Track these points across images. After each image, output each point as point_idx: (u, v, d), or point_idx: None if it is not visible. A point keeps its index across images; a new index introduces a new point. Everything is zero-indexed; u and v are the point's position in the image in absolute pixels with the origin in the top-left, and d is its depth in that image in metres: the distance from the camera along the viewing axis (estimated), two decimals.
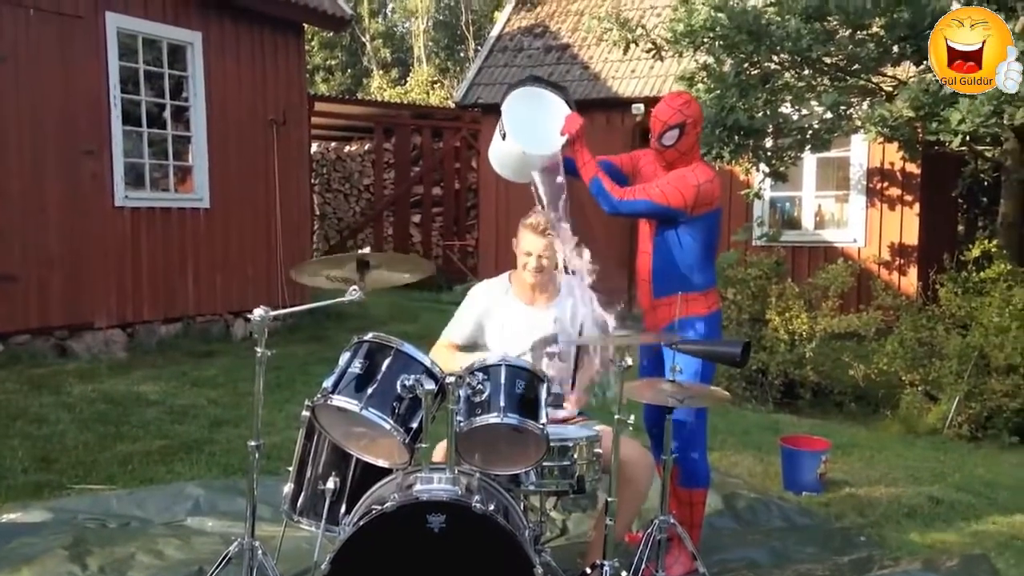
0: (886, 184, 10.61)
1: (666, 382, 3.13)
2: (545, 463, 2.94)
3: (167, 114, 8.73)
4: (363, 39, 30.78)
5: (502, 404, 2.81)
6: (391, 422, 2.80)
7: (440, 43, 31.45)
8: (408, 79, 28.41)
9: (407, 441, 2.82)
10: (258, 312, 2.79)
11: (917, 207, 10.49)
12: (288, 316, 3.20)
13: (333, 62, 30.18)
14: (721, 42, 7.47)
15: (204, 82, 8.77)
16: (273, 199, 9.49)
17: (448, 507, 2.61)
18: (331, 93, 25.15)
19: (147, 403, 6.40)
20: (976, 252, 7.41)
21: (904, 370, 7.14)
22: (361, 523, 2.64)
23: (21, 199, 7.33)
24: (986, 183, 11.58)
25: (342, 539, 2.66)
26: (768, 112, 7.82)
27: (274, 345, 2.94)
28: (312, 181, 13.80)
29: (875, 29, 7.29)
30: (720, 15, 7.27)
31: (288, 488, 3.15)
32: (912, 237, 10.48)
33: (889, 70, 7.94)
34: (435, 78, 28.18)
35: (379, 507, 2.63)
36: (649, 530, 3.20)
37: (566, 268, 3.49)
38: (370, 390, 2.83)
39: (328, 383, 2.89)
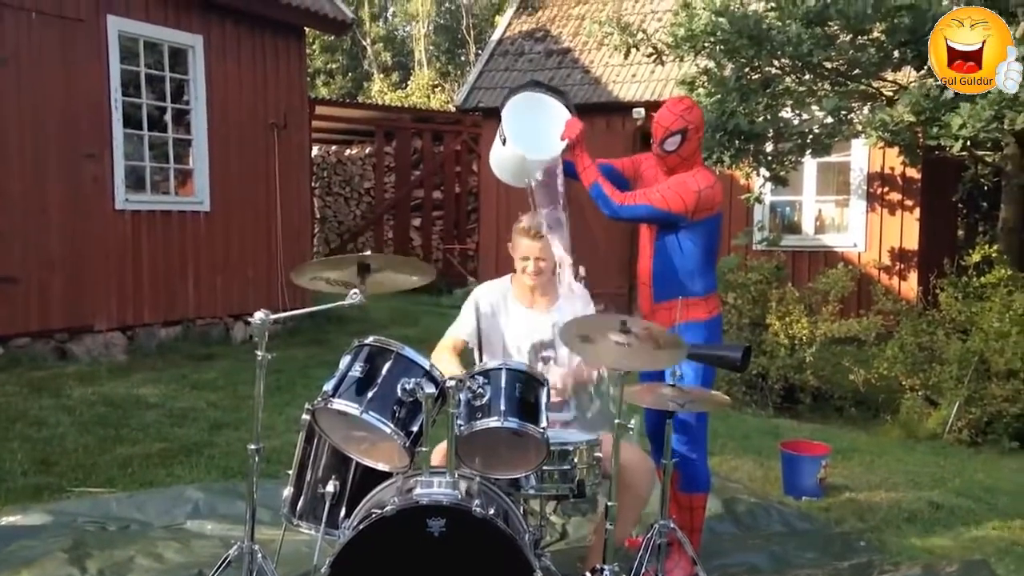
0: (886, 189, 10.61)
1: (666, 387, 3.13)
2: (545, 467, 2.94)
3: (168, 117, 8.74)
4: (364, 43, 30.81)
5: (502, 408, 2.81)
6: (391, 426, 2.80)
7: (441, 47, 31.48)
8: (409, 83, 28.44)
9: (407, 445, 2.82)
10: (259, 315, 2.79)
11: (917, 212, 10.49)
12: (288, 319, 3.20)
13: (334, 66, 30.21)
14: (722, 47, 7.48)
15: (205, 85, 8.78)
16: (274, 202, 9.50)
17: (448, 511, 2.61)
18: (332, 97, 25.14)
19: (147, 406, 6.40)
20: (976, 257, 7.42)
21: (904, 375, 7.14)
22: (361, 527, 2.63)
23: (22, 201, 7.34)
24: (986, 188, 11.59)
25: (342, 543, 2.65)
26: (769, 117, 7.83)
27: (274, 348, 2.94)
28: (313, 184, 13.81)
29: (876, 34, 7.30)
30: (721, 20, 7.27)
31: (288, 491, 3.15)
32: (912, 242, 10.48)
33: (890, 75, 7.95)
34: (436, 82, 28.20)
35: (379, 511, 2.63)
36: (649, 534, 3.20)
37: (575, 272, 3.49)
38: (371, 394, 2.83)
39: (328, 386, 2.89)
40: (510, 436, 2.84)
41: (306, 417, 3.05)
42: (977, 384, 6.78)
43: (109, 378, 7.14)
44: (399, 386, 2.83)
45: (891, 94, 7.74)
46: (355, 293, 2.90)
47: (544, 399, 2.92)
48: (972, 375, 6.78)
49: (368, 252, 3.03)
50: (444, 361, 3.48)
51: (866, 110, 7.71)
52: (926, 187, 10.46)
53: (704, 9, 7.44)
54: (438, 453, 3.03)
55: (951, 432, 6.79)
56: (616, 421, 2.91)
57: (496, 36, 14.15)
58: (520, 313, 3.57)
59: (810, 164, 10.40)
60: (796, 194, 10.97)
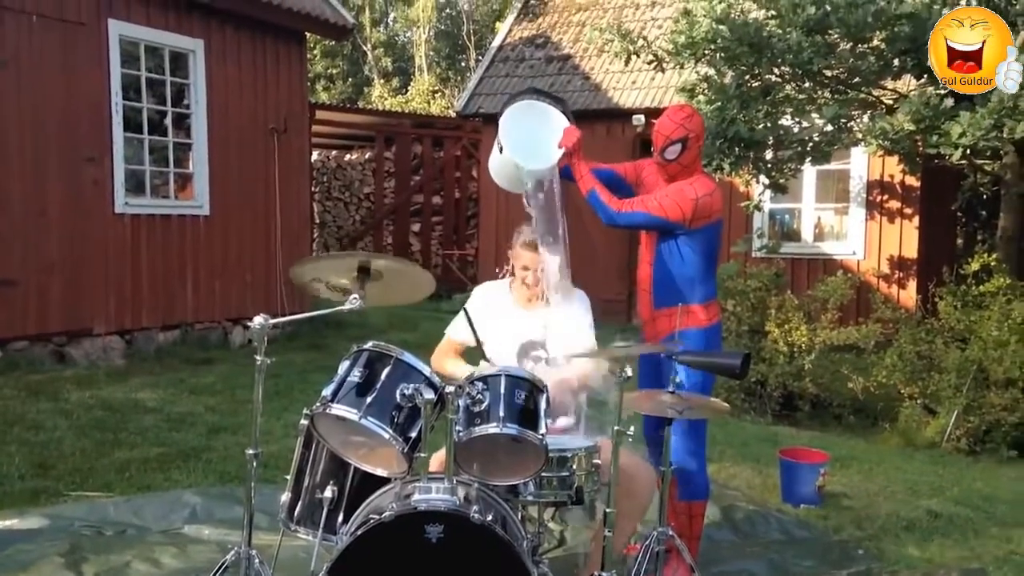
0: (886, 197, 10.63)
1: (665, 393, 3.12)
2: (544, 473, 2.93)
3: (168, 121, 8.74)
4: (365, 48, 30.86)
5: (501, 414, 2.80)
6: (390, 431, 2.79)
7: (441, 52, 31.53)
8: (409, 88, 28.47)
9: (406, 450, 2.81)
10: (258, 320, 2.79)
11: (917, 220, 10.50)
12: (287, 324, 3.21)
13: (334, 71, 30.25)
14: (722, 54, 7.50)
15: (205, 90, 8.79)
16: (273, 207, 9.50)
17: (446, 517, 2.60)
18: (332, 102, 25.17)
19: (145, 410, 6.39)
20: (975, 266, 7.42)
21: (903, 383, 7.14)
22: (359, 532, 2.63)
23: (22, 204, 7.34)
24: (985, 197, 11.62)
25: (339, 548, 2.64)
26: (769, 124, 7.84)
27: (273, 353, 2.93)
28: (312, 189, 13.80)
29: (876, 43, 7.32)
30: (722, 27, 7.29)
31: (286, 497, 3.14)
32: (911, 250, 10.49)
33: (890, 83, 7.97)
34: (436, 87, 28.23)
35: (377, 516, 2.62)
36: (647, 542, 3.19)
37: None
38: (369, 399, 2.82)
39: (327, 391, 2.88)
40: (509, 442, 2.83)
41: (304, 422, 3.04)
42: (976, 393, 6.78)
43: (107, 382, 7.13)
44: (398, 391, 2.82)
45: (891, 102, 7.76)
46: (354, 298, 2.89)
47: (543, 405, 2.92)
48: (971, 384, 6.77)
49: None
50: (450, 364, 3.54)
51: (866, 118, 7.72)
52: (925, 195, 10.47)
53: (705, 16, 7.45)
54: (436, 459, 3.03)
55: (949, 441, 6.78)
56: (615, 427, 2.91)
57: (497, 42, 14.18)
58: (514, 313, 3.59)
59: (809, 172, 10.43)
60: (795, 202, 10.99)
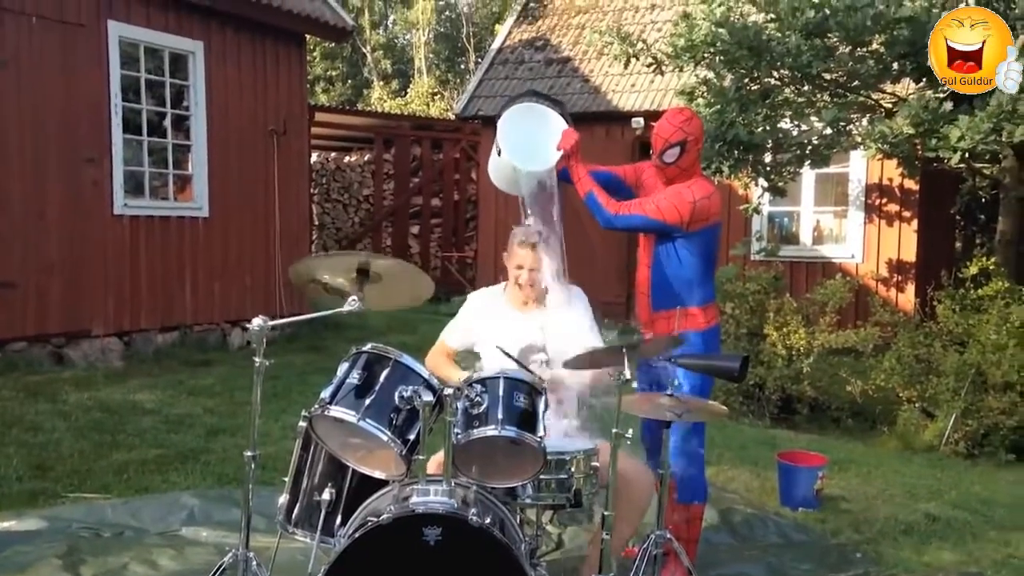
0: (884, 200, 10.63)
1: (664, 396, 3.12)
2: (542, 476, 2.93)
3: (167, 122, 8.74)
4: (364, 50, 30.87)
5: (500, 416, 2.80)
6: (388, 433, 2.79)
7: (441, 55, 31.54)
8: (408, 90, 28.48)
9: (404, 453, 2.81)
10: (257, 322, 2.79)
11: (915, 223, 10.50)
12: (286, 326, 3.19)
13: (334, 73, 30.26)
14: (721, 57, 7.50)
15: (205, 91, 8.79)
16: (272, 209, 9.50)
17: (444, 520, 2.60)
18: (331, 103, 25.19)
19: (143, 412, 6.38)
20: (974, 269, 7.43)
21: (901, 386, 7.14)
22: (356, 535, 2.63)
23: (21, 205, 7.34)
24: (984, 200, 11.61)
25: (337, 551, 2.64)
26: (768, 127, 7.84)
27: (272, 355, 2.93)
28: (311, 191, 13.80)
29: (875, 46, 7.33)
30: (721, 30, 7.29)
31: (283, 499, 3.14)
32: (910, 253, 10.50)
33: (889, 87, 7.98)
34: (435, 90, 28.25)
35: (375, 519, 2.62)
36: (645, 545, 3.19)
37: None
38: (368, 401, 2.82)
39: (326, 393, 2.88)
40: (507, 445, 2.83)
41: (303, 424, 3.04)
42: (974, 396, 6.78)
43: (105, 383, 7.13)
44: (397, 394, 2.82)
45: (890, 106, 7.77)
46: (353, 300, 2.89)
47: (542, 408, 2.91)
48: (969, 387, 6.78)
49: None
50: (442, 366, 3.54)
51: (865, 122, 7.73)
52: (924, 199, 10.48)
53: (704, 20, 7.46)
54: (435, 461, 3.03)
55: (948, 444, 6.78)
56: (614, 430, 2.91)
57: (496, 45, 14.18)
58: (511, 316, 3.58)
59: (808, 175, 10.43)
60: (794, 205, 10.99)
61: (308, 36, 10.56)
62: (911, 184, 10.26)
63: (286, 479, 3.17)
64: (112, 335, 8.07)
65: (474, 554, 2.60)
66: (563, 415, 3.36)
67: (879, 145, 6.92)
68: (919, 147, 7.28)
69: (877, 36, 7.11)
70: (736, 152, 7.77)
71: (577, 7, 13.94)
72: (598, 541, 3.11)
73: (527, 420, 2.84)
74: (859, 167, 10.55)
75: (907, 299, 10.14)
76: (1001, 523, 4.95)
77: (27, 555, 3.76)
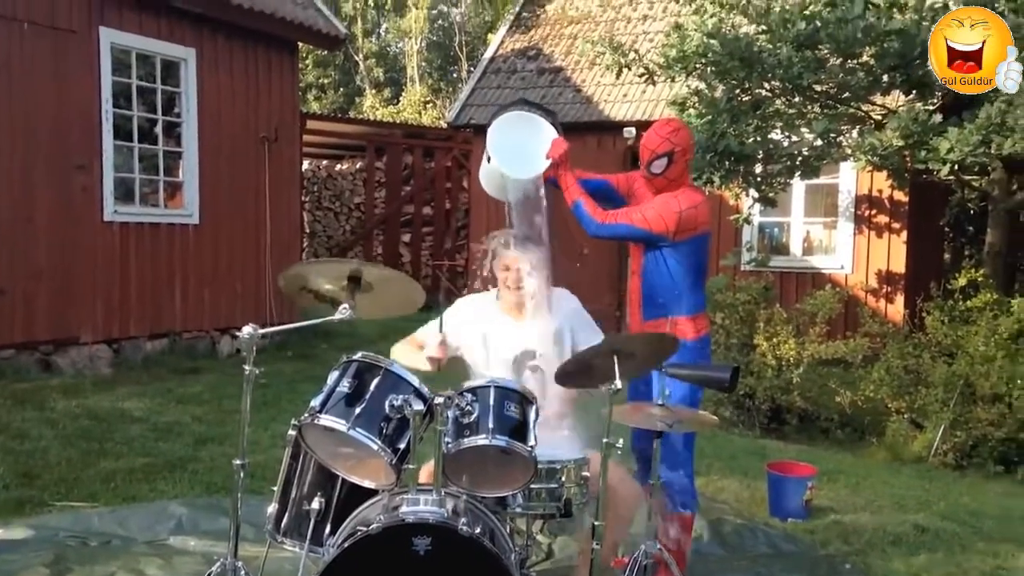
0: (874, 212, 10.68)
1: (654, 406, 3.12)
2: (533, 485, 2.93)
3: (159, 129, 8.72)
4: (356, 58, 30.89)
5: (491, 426, 2.80)
6: (379, 442, 2.78)
7: (433, 63, 31.60)
8: (401, 99, 28.51)
9: (394, 462, 2.80)
10: (247, 329, 2.78)
11: (904, 235, 10.55)
12: (276, 334, 3.18)
13: (326, 80, 30.26)
14: (713, 68, 7.53)
15: (197, 98, 8.77)
16: (263, 216, 9.48)
17: (434, 529, 2.59)
18: (323, 111, 25.16)
19: (131, 420, 6.35)
20: (963, 281, 7.45)
21: (890, 397, 7.16)
22: (346, 545, 2.62)
23: (10, 211, 7.31)
24: (973, 212, 11.69)
25: (326, 561, 2.63)
26: (759, 138, 7.87)
27: (262, 363, 2.92)
28: (303, 199, 13.79)
29: (865, 58, 7.36)
30: (712, 41, 7.33)
31: (272, 508, 3.12)
32: (899, 265, 10.54)
33: (879, 99, 8.01)
34: (428, 98, 28.26)
35: (364, 528, 2.61)
36: (635, 555, 3.19)
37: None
38: (358, 410, 2.81)
39: (316, 402, 2.87)
40: (498, 454, 2.82)
41: (292, 433, 3.03)
42: (962, 408, 6.80)
43: (94, 391, 7.09)
44: (387, 402, 2.81)
45: (880, 118, 7.81)
46: (344, 308, 2.89)
47: (533, 417, 2.91)
48: (958, 399, 6.80)
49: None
50: (410, 353, 3.51)
51: (855, 133, 7.77)
52: (913, 210, 10.53)
53: (696, 31, 7.50)
54: (425, 470, 3.02)
55: (936, 455, 6.80)
56: (604, 440, 2.90)
57: (488, 54, 14.21)
58: (505, 322, 3.54)
59: (799, 186, 10.47)
60: (784, 215, 11.03)
61: (301, 44, 10.57)
62: (900, 196, 10.31)
63: (275, 488, 3.15)
64: (101, 342, 8.03)
65: (464, 564, 2.59)
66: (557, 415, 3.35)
67: (869, 157, 6.96)
68: (908, 159, 7.32)
69: (867, 48, 7.15)
70: (727, 163, 7.80)
71: (570, 17, 13.98)
72: (588, 551, 3.11)
73: (518, 429, 2.84)
74: (849, 178, 10.60)
75: (896, 310, 10.18)
76: (989, 534, 4.96)
77: (13, 564, 3.74)
